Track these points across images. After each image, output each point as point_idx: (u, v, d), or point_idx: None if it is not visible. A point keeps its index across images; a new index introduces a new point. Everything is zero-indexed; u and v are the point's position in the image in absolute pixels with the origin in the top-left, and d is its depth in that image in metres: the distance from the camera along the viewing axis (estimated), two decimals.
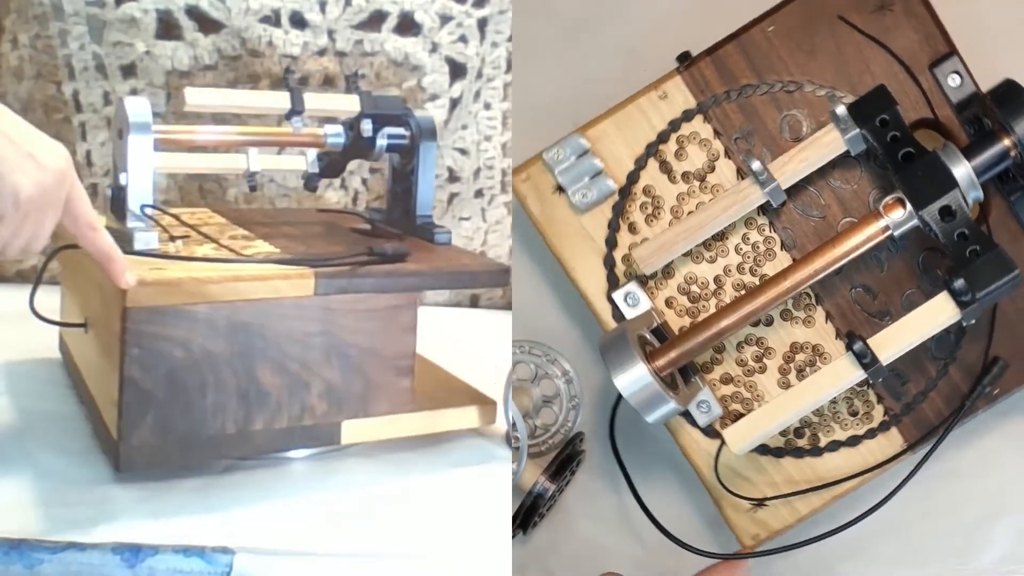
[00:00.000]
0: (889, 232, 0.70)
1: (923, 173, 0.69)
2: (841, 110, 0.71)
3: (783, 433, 0.76)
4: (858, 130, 0.71)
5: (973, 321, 0.71)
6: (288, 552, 0.65)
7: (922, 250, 0.74)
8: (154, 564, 0.62)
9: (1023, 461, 0.83)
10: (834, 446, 0.77)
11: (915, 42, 0.75)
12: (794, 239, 0.76)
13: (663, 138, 0.77)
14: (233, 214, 0.93)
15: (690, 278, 0.77)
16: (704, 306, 0.77)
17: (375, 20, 1.11)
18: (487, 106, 1.15)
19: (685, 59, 0.76)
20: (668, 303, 0.77)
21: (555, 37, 0.86)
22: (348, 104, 0.87)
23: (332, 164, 0.90)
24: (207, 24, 1.09)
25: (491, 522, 0.71)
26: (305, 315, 0.73)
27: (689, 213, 0.76)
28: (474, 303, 1.25)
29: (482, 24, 1.12)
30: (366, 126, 0.85)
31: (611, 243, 0.77)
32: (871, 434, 0.77)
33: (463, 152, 1.17)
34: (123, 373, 0.68)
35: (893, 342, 0.70)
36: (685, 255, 0.76)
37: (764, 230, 0.76)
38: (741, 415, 0.75)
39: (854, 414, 0.77)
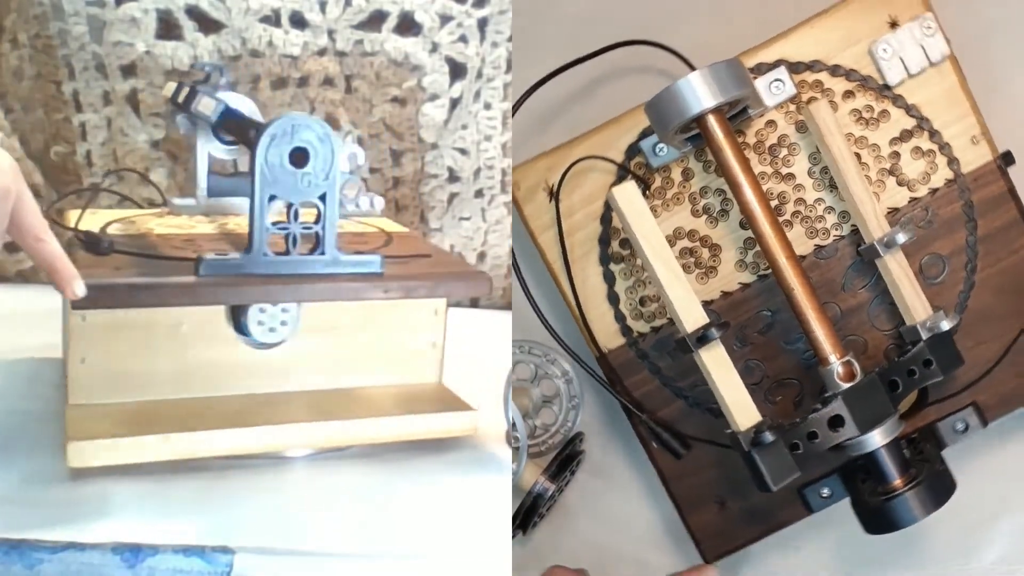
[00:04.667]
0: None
1: (863, 407, 0.71)
2: None
3: None
4: None
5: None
6: (288, 552, 0.65)
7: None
8: (154, 564, 0.62)
9: (1023, 461, 0.83)
10: None
11: None
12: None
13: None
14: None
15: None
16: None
17: (375, 20, 1.11)
18: (487, 106, 1.15)
19: (1008, 160, 0.77)
20: None
21: (555, 37, 0.86)
22: None
23: None
24: (207, 24, 1.09)
25: (491, 522, 0.71)
26: None
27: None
28: (474, 303, 1.25)
29: (482, 24, 1.12)
30: None
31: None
32: None
33: (463, 152, 1.17)
34: None
35: None
36: None
37: None
38: None
39: None
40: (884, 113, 0.76)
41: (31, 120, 1.15)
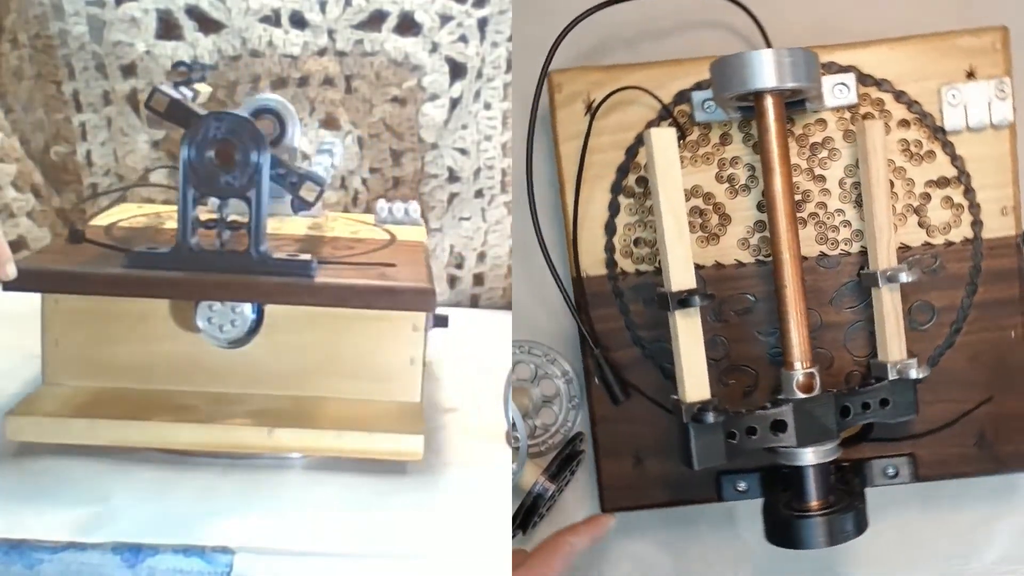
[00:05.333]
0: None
1: (807, 423, 0.71)
2: None
3: None
4: None
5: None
6: (288, 552, 0.64)
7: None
8: (154, 564, 0.62)
9: None
10: None
11: None
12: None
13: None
14: None
15: None
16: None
17: (375, 20, 1.11)
18: (487, 106, 1.15)
19: None
20: None
21: (555, 37, 0.86)
22: None
23: None
24: (207, 24, 1.09)
25: (491, 522, 0.71)
26: None
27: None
28: (474, 303, 1.25)
29: (482, 24, 1.12)
30: None
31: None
32: None
33: (463, 152, 1.17)
34: None
35: None
36: None
37: None
38: None
39: None
40: (931, 154, 0.76)
41: (31, 120, 1.15)
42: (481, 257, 1.22)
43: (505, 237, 1.21)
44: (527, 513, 0.82)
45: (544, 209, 0.80)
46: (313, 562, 0.64)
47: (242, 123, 0.69)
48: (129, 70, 1.11)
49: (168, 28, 1.09)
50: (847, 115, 0.77)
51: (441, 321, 0.85)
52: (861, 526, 0.73)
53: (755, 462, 0.77)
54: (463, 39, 1.12)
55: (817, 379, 0.72)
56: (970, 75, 0.76)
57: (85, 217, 0.86)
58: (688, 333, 0.71)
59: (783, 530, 0.73)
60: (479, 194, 1.19)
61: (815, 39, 0.76)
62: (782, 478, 0.75)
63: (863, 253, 0.77)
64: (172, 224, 0.84)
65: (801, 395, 0.71)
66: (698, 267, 0.76)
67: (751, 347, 0.78)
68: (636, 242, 0.79)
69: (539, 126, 0.77)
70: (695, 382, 0.70)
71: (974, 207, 0.77)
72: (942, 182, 0.77)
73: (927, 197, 0.77)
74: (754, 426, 0.71)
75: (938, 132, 0.76)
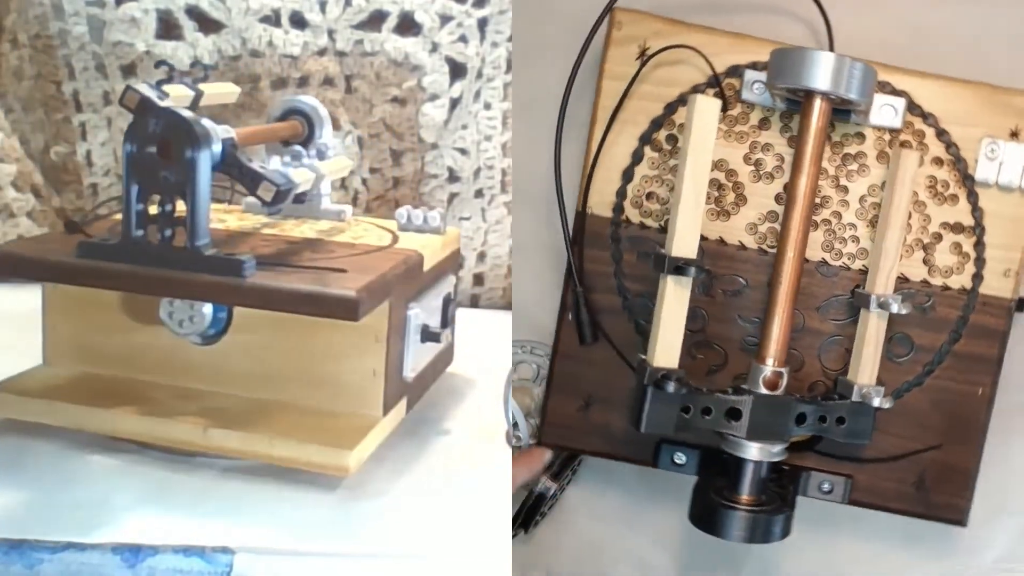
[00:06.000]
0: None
1: (762, 419, 0.72)
2: None
3: None
4: None
5: None
6: (288, 552, 0.64)
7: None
8: (154, 564, 0.62)
9: (1023, 461, 0.83)
10: None
11: None
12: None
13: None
14: None
15: None
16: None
17: (375, 20, 1.11)
18: (487, 106, 1.15)
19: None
20: None
21: (555, 37, 0.86)
22: None
23: None
24: (207, 24, 1.09)
25: (491, 522, 0.71)
26: None
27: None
28: (474, 303, 1.25)
29: (482, 24, 1.12)
30: None
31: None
32: None
33: (463, 152, 1.17)
34: None
35: None
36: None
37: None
38: None
39: None
40: (954, 198, 0.77)
41: (31, 120, 1.15)
42: (481, 257, 1.22)
43: (505, 237, 1.21)
44: (529, 512, 0.82)
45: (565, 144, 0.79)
46: (313, 562, 0.64)
47: (179, 121, 0.70)
48: (129, 70, 1.11)
49: (168, 28, 1.09)
50: (886, 136, 0.77)
51: (432, 336, 0.83)
52: (784, 532, 0.73)
53: (699, 439, 0.77)
54: (463, 39, 1.12)
55: (784, 380, 0.72)
56: (1014, 135, 0.76)
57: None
58: (674, 300, 0.71)
59: (708, 515, 0.73)
60: (479, 194, 1.19)
61: (878, 54, 0.76)
62: (721, 463, 0.75)
63: (863, 272, 0.77)
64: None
65: (764, 391, 0.72)
66: (701, 238, 0.76)
67: (729, 328, 0.78)
68: (649, 196, 0.78)
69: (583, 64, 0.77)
70: (667, 349, 0.71)
71: (979, 260, 0.77)
72: (957, 228, 0.77)
73: (939, 237, 0.77)
74: (710, 407, 0.71)
75: (967, 179, 0.76)
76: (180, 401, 0.78)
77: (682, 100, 0.77)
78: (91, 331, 0.81)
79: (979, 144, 0.76)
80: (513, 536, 0.80)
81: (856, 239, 0.77)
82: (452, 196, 1.19)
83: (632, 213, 0.78)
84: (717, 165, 0.77)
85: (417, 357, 0.83)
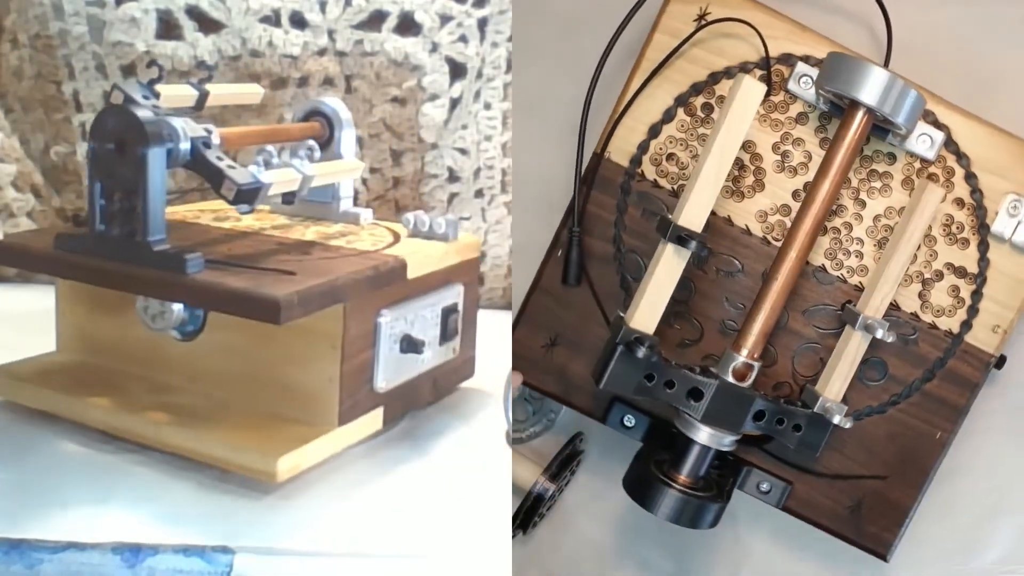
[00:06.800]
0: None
1: (721, 406, 0.72)
2: None
3: None
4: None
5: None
6: (288, 552, 0.64)
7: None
8: (154, 564, 0.62)
9: (1023, 461, 0.83)
10: None
11: None
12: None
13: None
14: None
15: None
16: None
17: (375, 20, 1.11)
18: (487, 106, 1.15)
19: None
20: None
21: (555, 37, 0.86)
22: None
23: None
24: (207, 24, 1.09)
25: (491, 522, 0.71)
26: None
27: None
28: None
29: (482, 24, 1.12)
30: None
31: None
32: None
33: (463, 152, 1.17)
34: None
35: None
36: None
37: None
38: None
39: None
40: (965, 242, 0.77)
41: (31, 120, 1.15)
42: (481, 257, 1.22)
43: (505, 237, 1.21)
44: (527, 513, 0.82)
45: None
46: (313, 562, 0.64)
47: (129, 119, 0.71)
48: (129, 70, 1.11)
49: (168, 28, 1.09)
50: (916, 164, 0.77)
51: (413, 346, 0.80)
52: (713, 522, 0.74)
53: (653, 408, 0.78)
54: (463, 39, 1.12)
55: (754, 374, 0.73)
56: None
57: None
58: (668, 268, 0.70)
59: (642, 485, 0.74)
60: (479, 194, 1.19)
61: (931, 80, 0.76)
62: (669, 437, 0.75)
63: (858, 288, 0.77)
64: (206, 220, 0.87)
65: (732, 380, 0.72)
66: (710, 213, 0.76)
67: (712, 307, 0.78)
68: (670, 157, 0.78)
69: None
70: (647, 314, 0.71)
71: (973, 309, 0.77)
72: (960, 272, 0.77)
73: (940, 276, 0.77)
74: (674, 381, 0.71)
75: (983, 228, 0.76)
76: (152, 395, 0.78)
77: (728, 73, 0.77)
78: (92, 321, 0.83)
79: (1004, 198, 0.76)
80: (512, 537, 0.80)
81: (860, 254, 0.77)
82: (452, 196, 1.19)
83: (649, 169, 0.78)
84: (745, 146, 0.77)
85: (395, 368, 0.80)
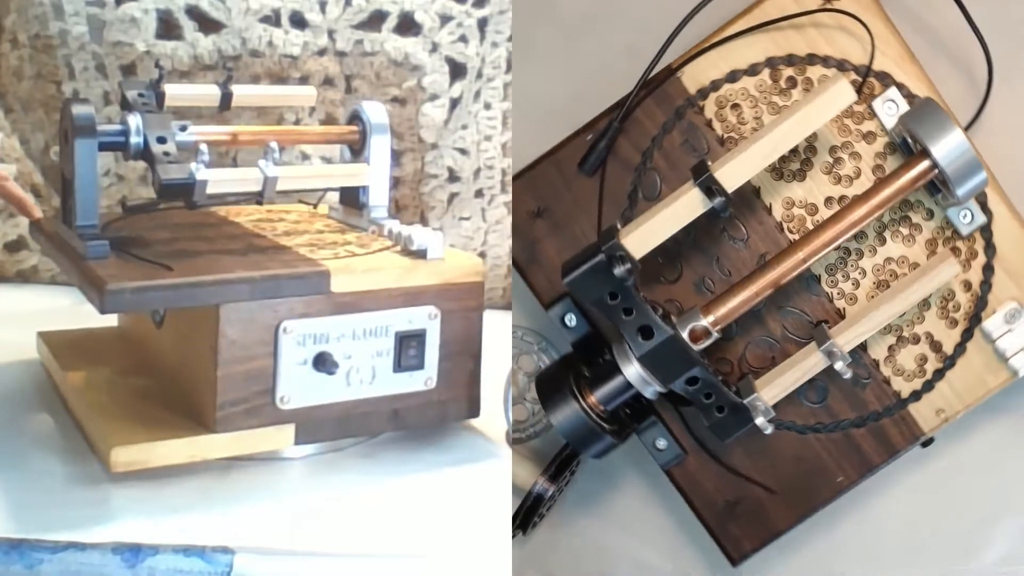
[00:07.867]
0: None
1: (664, 356, 0.72)
2: None
3: None
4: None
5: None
6: (288, 552, 0.65)
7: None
8: (154, 564, 0.62)
9: (1023, 461, 0.83)
10: None
11: None
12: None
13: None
14: None
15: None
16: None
17: (375, 20, 1.11)
18: (487, 106, 1.15)
19: None
20: None
21: (555, 37, 0.86)
22: None
23: None
24: (207, 24, 1.09)
25: (491, 522, 0.71)
26: None
27: None
28: None
29: (482, 24, 1.12)
30: None
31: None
32: None
33: (463, 152, 1.17)
34: None
35: None
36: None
37: None
38: None
39: None
40: (954, 322, 0.77)
41: (31, 120, 1.15)
42: (481, 257, 1.22)
43: (505, 237, 1.21)
44: (527, 513, 0.82)
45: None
46: (313, 562, 0.64)
47: (67, 112, 0.74)
48: (129, 70, 1.11)
49: (168, 28, 1.09)
50: (948, 232, 0.77)
51: (325, 366, 0.74)
52: (600, 454, 0.74)
53: (597, 321, 0.78)
54: (463, 39, 1.12)
55: (708, 341, 0.73)
56: None
57: None
58: (683, 209, 0.71)
59: (552, 389, 0.74)
60: (479, 194, 1.19)
61: (997, 159, 0.76)
62: (599, 357, 0.76)
63: (839, 314, 0.77)
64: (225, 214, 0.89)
65: (686, 338, 0.72)
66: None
67: (700, 263, 0.78)
68: (735, 107, 0.78)
69: None
70: (642, 240, 0.71)
71: (929, 385, 0.77)
72: (936, 346, 0.77)
73: (916, 340, 0.77)
74: (633, 311, 0.71)
75: (975, 319, 0.77)
76: (123, 376, 0.82)
77: (826, 61, 0.77)
78: None
79: (1007, 303, 0.76)
80: (512, 537, 0.80)
81: (857, 284, 0.77)
82: (452, 196, 1.19)
83: (710, 108, 0.78)
84: (807, 137, 0.76)
85: (308, 386, 0.74)
